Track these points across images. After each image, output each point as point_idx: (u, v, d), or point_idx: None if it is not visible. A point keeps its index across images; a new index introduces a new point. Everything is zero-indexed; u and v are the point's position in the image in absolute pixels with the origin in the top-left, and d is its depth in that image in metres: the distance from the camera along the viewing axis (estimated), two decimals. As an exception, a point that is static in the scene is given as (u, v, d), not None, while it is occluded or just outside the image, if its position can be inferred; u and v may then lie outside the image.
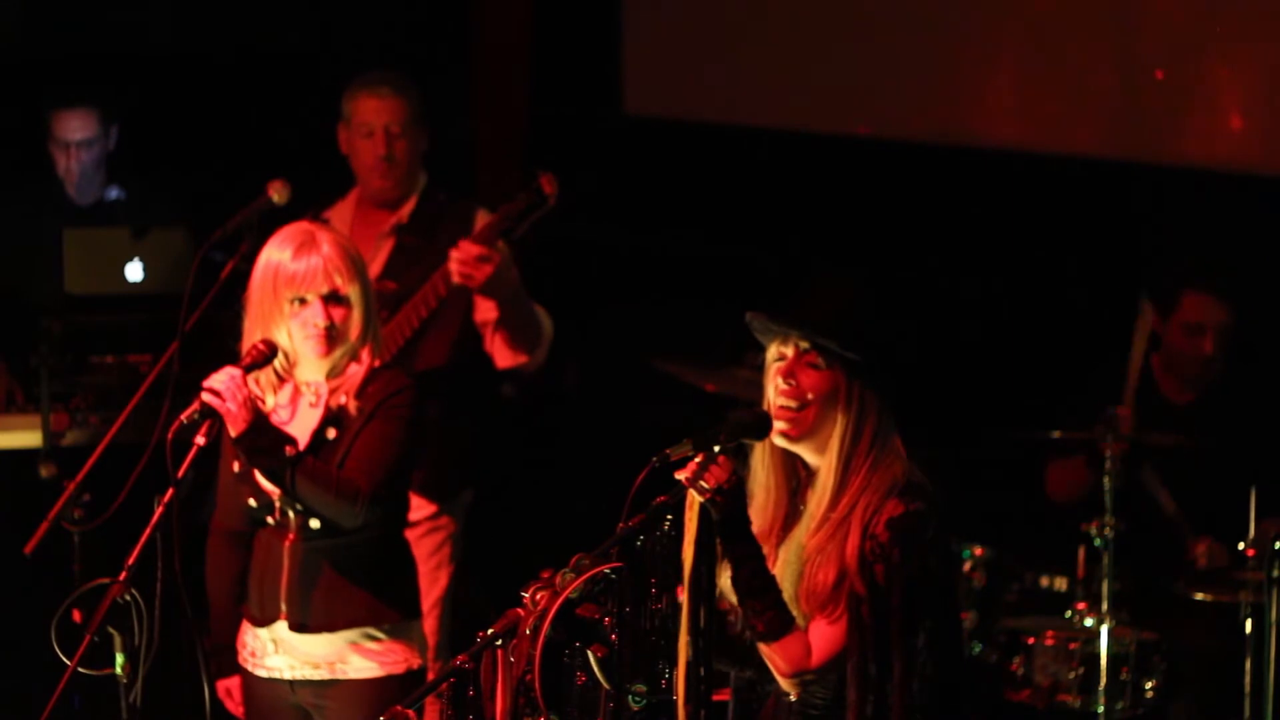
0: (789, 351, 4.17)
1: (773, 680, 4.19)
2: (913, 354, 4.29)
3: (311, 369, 5.08)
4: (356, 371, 5.07)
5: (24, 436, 6.76)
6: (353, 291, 5.03)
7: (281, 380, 5.10)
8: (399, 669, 5.09)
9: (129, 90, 8.08)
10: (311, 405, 5.09)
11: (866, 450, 4.14)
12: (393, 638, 5.10)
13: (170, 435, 4.79)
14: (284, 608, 5.07)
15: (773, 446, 4.22)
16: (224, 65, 8.59)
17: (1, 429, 6.81)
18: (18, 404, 6.83)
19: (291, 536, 5.05)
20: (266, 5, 8.72)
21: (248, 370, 4.97)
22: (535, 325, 6.34)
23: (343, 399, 5.05)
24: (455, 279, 6.06)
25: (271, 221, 5.61)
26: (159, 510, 4.74)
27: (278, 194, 5.67)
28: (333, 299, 5.00)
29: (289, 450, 4.92)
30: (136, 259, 6.99)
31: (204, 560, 5.28)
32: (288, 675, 5.11)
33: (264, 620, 5.11)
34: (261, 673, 5.15)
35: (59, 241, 7.14)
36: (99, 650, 4.69)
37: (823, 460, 4.17)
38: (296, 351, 5.05)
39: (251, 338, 5.05)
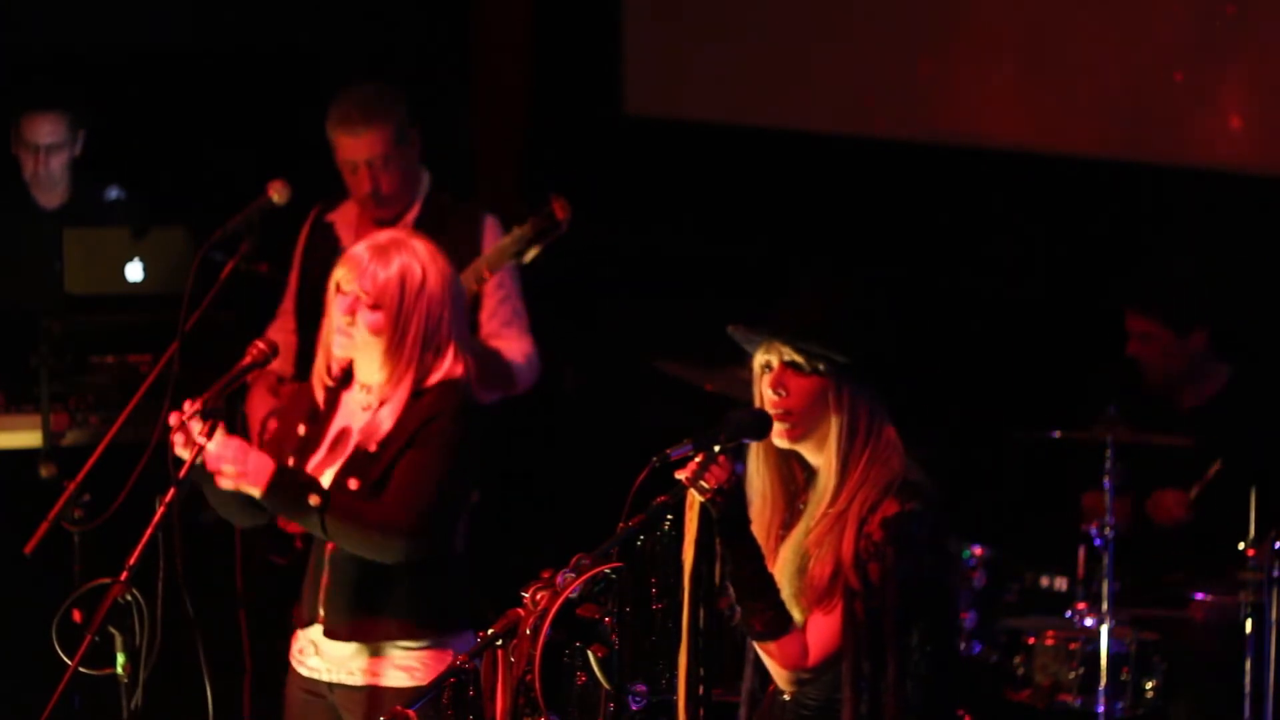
0: (774, 360, 4.19)
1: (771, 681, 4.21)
2: (902, 350, 4.30)
3: (367, 371, 5.03)
4: (404, 383, 4.98)
5: (24, 436, 6.77)
6: (385, 307, 4.92)
7: (345, 380, 5.08)
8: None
9: (129, 89, 8.10)
10: (365, 409, 5.04)
11: (862, 447, 4.16)
12: (430, 650, 5.04)
13: (172, 436, 4.79)
14: (321, 612, 5.04)
15: (768, 451, 4.23)
16: (224, 64, 8.59)
17: (1, 429, 6.82)
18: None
19: (332, 544, 5.03)
20: (267, 5, 8.72)
21: (248, 369, 4.95)
22: (498, 370, 6.24)
23: (387, 413, 4.99)
24: None
25: (271, 221, 5.61)
26: (160, 510, 4.74)
27: (278, 194, 5.66)
28: (361, 300, 4.94)
29: (314, 499, 4.86)
30: (136, 259, 6.99)
31: (204, 543, 5.25)
32: (326, 678, 5.09)
33: (307, 621, 5.09)
34: (304, 671, 5.13)
35: (31, 245, 7.22)
36: (100, 650, 4.69)
37: (821, 459, 4.18)
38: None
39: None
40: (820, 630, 4.12)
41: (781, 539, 4.22)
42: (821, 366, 4.14)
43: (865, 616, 4.07)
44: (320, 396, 5.08)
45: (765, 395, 4.19)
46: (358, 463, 4.97)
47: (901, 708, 4.07)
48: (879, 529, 4.09)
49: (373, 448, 4.97)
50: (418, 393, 4.98)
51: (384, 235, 5.08)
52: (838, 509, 4.14)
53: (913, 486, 4.15)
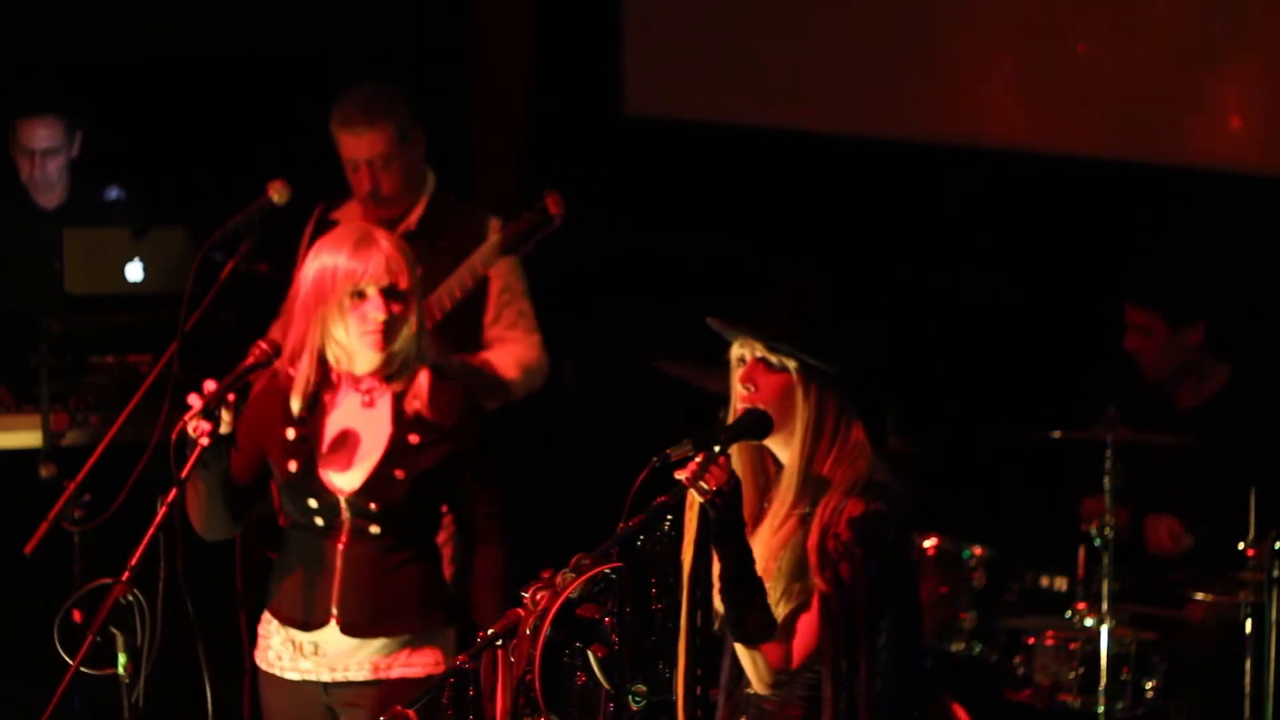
0: (748, 354, 4.22)
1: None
2: (888, 351, 4.30)
3: (363, 364, 5.04)
4: (422, 374, 5.04)
5: (24, 436, 6.77)
6: (410, 288, 5.00)
7: (333, 381, 5.08)
8: (439, 671, 5.03)
9: (129, 90, 8.10)
10: (365, 405, 5.06)
11: (828, 447, 4.17)
12: (430, 643, 5.08)
13: (174, 435, 4.79)
14: (335, 611, 5.03)
15: (741, 445, 4.24)
16: (224, 65, 8.60)
17: (1, 429, 6.82)
18: (2, 404, 6.85)
19: (344, 540, 5.03)
20: (267, 5, 8.72)
21: (251, 370, 4.95)
22: (488, 386, 6.23)
23: (417, 404, 5.03)
24: None
25: (271, 221, 5.61)
26: (162, 510, 4.74)
27: (278, 194, 5.66)
28: (391, 293, 4.97)
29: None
30: (136, 259, 7.00)
31: (205, 543, 5.26)
32: (325, 678, 5.08)
33: (310, 624, 5.06)
34: (292, 675, 5.11)
35: (30, 245, 7.23)
36: (101, 650, 4.69)
37: (787, 456, 4.19)
38: (350, 350, 5.01)
39: (289, 342, 5.03)
40: (797, 632, 4.13)
41: (750, 535, 4.23)
42: (791, 364, 4.16)
43: (840, 616, 4.08)
44: (299, 400, 5.08)
45: (736, 388, 4.22)
46: (401, 455, 5.00)
47: (874, 705, 4.09)
48: (846, 529, 4.10)
49: (414, 439, 5.01)
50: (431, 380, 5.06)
51: (353, 228, 5.11)
52: (801, 509, 4.15)
53: (879, 487, 4.15)
